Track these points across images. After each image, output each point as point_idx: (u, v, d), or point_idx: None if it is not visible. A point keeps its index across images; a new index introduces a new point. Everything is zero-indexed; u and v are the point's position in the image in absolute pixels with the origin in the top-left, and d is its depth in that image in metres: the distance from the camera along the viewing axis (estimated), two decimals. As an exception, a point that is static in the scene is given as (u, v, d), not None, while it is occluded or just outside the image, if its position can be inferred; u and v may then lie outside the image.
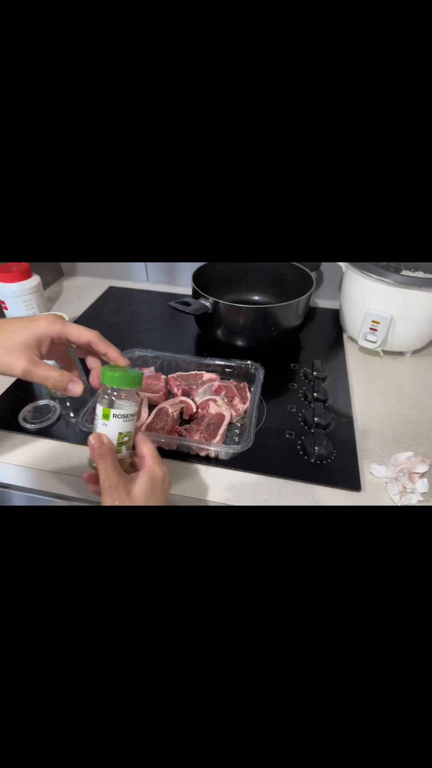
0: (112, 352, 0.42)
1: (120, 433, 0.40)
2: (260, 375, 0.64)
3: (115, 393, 0.40)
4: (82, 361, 0.46)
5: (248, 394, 0.65)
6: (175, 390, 0.66)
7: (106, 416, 0.40)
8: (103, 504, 0.36)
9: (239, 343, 0.75)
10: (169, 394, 0.67)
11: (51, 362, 0.45)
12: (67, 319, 0.74)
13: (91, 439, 0.39)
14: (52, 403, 0.64)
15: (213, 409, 0.61)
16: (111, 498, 0.36)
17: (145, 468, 0.40)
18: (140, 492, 0.37)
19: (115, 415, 0.40)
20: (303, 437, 0.59)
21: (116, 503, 0.35)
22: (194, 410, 0.63)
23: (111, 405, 0.40)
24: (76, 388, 0.40)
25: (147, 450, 0.41)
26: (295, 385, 0.71)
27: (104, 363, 0.44)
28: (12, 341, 0.38)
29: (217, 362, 0.67)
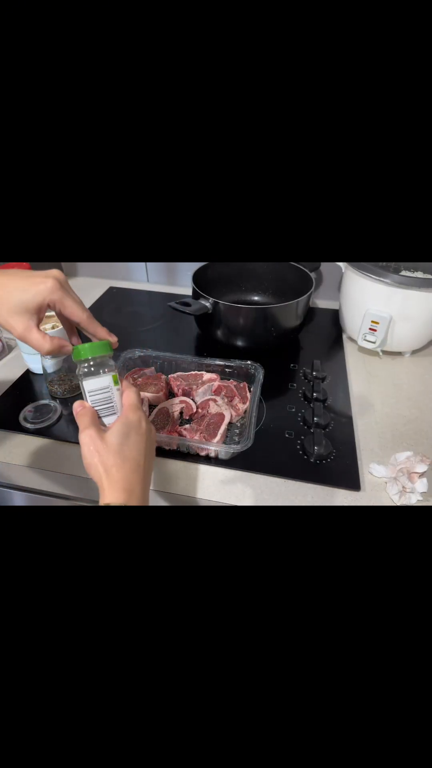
0: (100, 332, 0.43)
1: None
2: (260, 375, 0.64)
3: (107, 360, 0.43)
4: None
5: (248, 394, 0.65)
6: (176, 390, 0.67)
7: (117, 382, 0.42)
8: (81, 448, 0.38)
9: (239, 343, 0.75)
10: (169, 394, 0.67)
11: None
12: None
13: (76, 406, 0.41)
14: (52, 403, 0.65)
15: (213, 408, 0.61)
16: (84, 443, 0.38)
17: (120, 415, 0.41)
18: (113, 437, 0.38)
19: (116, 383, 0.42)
20: (303, 437, 0.60)
21: (91, 448, 0.38)
22: (194, 410, 0.63)
23: (113, 369, 0.42)
24: (68, 350, 0.42)
25: (125, 398, 0.42)
26: (295, 385, 0.71)
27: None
28: (13, 303, 0.38)
29: (217, 362, 0.68)
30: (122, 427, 0.39)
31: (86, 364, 0.42)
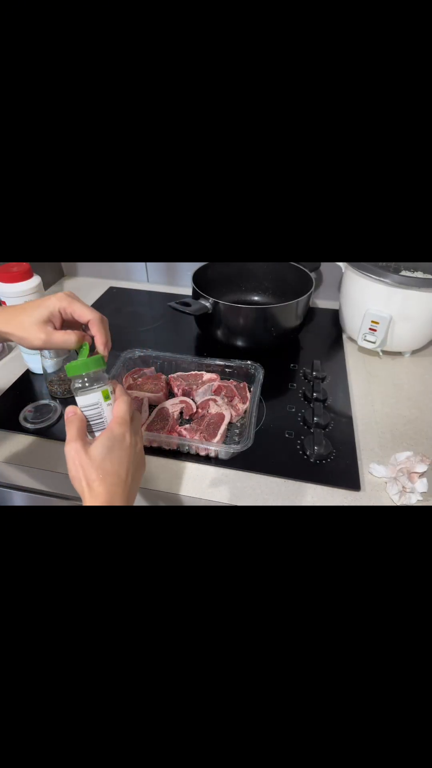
0: (99, 337, 0.44)
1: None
2: (260, 375, 0.64)
3: (101, 374, 0.43)
4: None
5: (248, 394, 0.65)
6: (176, 390, 0.67)
7: (108, 397, 0.42)
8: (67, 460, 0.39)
9: (239, 343, 0.75)
10: (169, 394, 0.67)
11: None
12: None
13: (68, 411, 0.42)
14: (52, 403, 0.65)
15: (213, 408, 0.61)
16: (69, 456, 0.39)
17: (106, 428, 0.42)
18: (96, 450, 0.39)
19: (112, 392, 0.43)
20: (302, 437, 0.60)
21: (76, 462, 0.38)
22: (194, 410, 0.63)
23: (106, 383, 0.43)
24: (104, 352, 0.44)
25: (114, 410, 0.43)
26: (295, 385, 0.71)
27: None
28: (28, 320, 0.42)
29: (217, 362, 0.68)
30: (106, 441, 0.40)
31: (80, 380, 0.42)
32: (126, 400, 0.43)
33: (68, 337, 0.42)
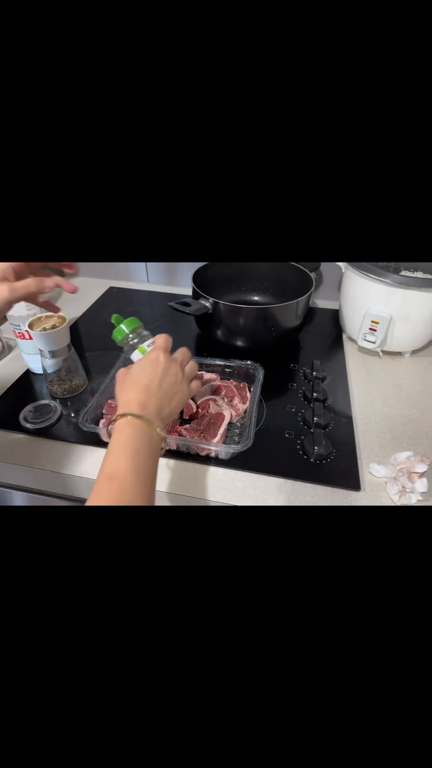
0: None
1: None
2: (260, 375, 0.64)
3: (140, 331, 0.54)
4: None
5: (248, 394, 0.65)
6: (175, 390, 0.66)
7: (144, 351, 0.52)
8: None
9: (239, 343, 0.75)
10: (169, 394, 0.67)
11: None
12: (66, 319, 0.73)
13: None
14: (52, 403, 0.65)
15: (213, 408, 0.61)
16: (117, 376, 0.50)
17: None
18: (133, 368, 0.48)
19: (148, 345, 0.52)
20: (302, 437, 0.60)
21: (118, 378, 0.49)
22: (194, 410, 0.63)
23: (143, 341, 0.53)
24: (50, 283, 0.49)
25: (155, 343, 0.51)
26: (295, 385, 0.71)
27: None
28: None
29: (217, 362, 0.68)
30: (141, 361, 0.49)
31: (127, 340, 0.53)
32: (164, 337, 0.51)
33: (28, 282, 0.46)
